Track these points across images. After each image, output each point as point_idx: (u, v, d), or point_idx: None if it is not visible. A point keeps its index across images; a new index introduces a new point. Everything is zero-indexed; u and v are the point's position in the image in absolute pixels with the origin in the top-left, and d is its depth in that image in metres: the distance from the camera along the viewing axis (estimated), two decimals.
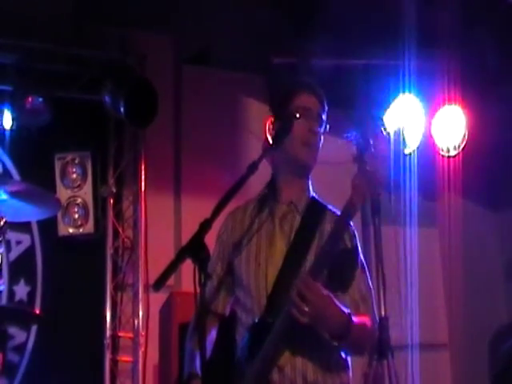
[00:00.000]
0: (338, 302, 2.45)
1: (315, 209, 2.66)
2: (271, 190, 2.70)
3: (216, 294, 2.67)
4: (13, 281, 4.76)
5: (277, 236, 2.62)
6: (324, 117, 2.70)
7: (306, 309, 2.37)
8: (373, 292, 2.55)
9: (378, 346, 2.26)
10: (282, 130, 2.62)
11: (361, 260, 2.62)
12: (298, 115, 2.63)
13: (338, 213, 2.59)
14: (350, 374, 2.63)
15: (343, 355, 2.60)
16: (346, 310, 2.47)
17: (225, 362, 2.53)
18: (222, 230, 2.73)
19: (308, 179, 2.73)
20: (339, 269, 2.53)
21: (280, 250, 2.59)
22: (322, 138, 2.69)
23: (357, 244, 2.62)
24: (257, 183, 2.73)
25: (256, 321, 2.54)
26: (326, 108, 2.71)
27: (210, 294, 2.60)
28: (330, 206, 2.70)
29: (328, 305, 2.41)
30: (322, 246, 2.50)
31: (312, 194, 2.73)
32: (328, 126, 2.71)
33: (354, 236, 2.62)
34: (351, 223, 2.57)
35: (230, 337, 2.65)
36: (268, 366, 2.48)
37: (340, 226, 2.49)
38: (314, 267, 2.46)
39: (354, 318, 2.47)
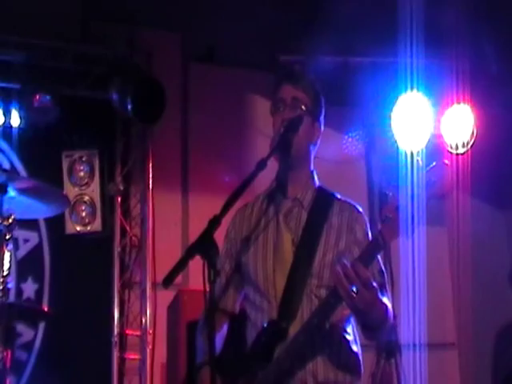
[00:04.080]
0: (380, 295, 2.37)
1: (322, 201, 2.63)
2: (278, 185, 2.69)
3: (225, 292, 2.66)
4: (20, 279, 4.77)
5: (283, 232, 2.60)
6: (304, 97, 2.62)
7: (354, 294, 2.27)
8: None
9: (386, 345, 2.25)
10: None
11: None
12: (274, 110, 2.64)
13: (346, 201, 2.64)
14: (362, 369, 2.60)
15: (354, 350, 2.57)
16: (386, 305, 2.43)
17: (235, 358, 2.52)
18: (230, 228, 2.72)
19: (309, 170, 2.69)
20: None
21: (286, 246, 2.58)
22: (309, 118, 2.61)
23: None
24: (266, 180, 2.71)
25: (268, 322, 2.53)
26: (308, 87, 2.65)
27: (218, 292, 2.58)
28: (337, 195, 2.68)
29: (373, 298, 2.32)
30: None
31: (318, 184, 2.70)
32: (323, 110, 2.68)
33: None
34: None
35: (240, 334, 2.64)
36: (283, 378, 2.45)
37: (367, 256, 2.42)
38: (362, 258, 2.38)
39: (390, 308, 2.44)
